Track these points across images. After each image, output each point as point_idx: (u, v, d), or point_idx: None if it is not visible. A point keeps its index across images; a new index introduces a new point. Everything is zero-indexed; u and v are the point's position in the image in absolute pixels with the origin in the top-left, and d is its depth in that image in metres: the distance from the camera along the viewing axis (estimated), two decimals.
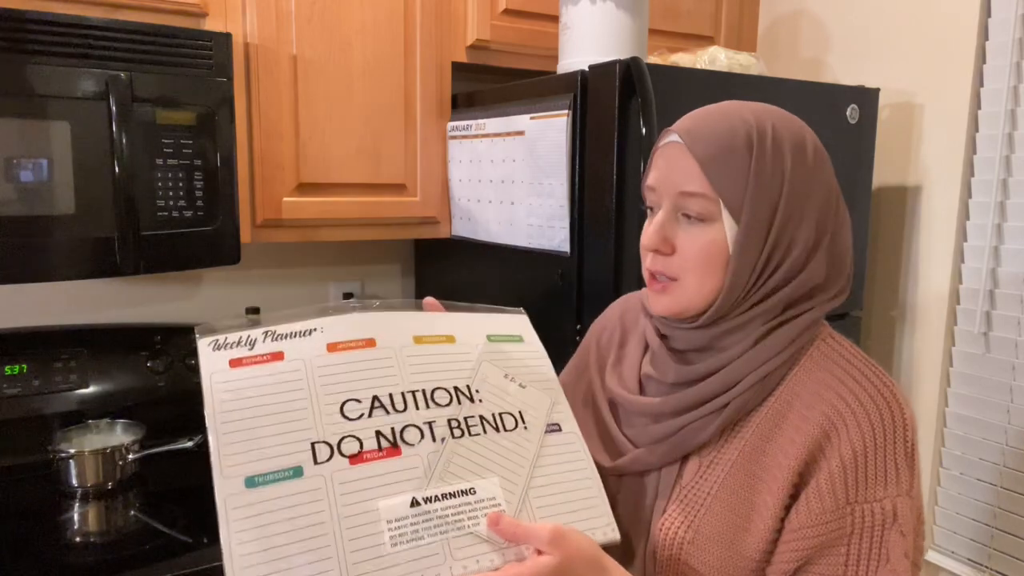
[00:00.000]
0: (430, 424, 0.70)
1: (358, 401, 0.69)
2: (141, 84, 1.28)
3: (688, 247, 0.73)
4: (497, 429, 0.73)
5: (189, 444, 1.50)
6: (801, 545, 0.68)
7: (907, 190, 1.67)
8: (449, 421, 0.71)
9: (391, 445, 0.68)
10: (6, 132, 1.18)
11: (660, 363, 0.80)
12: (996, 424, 1.53)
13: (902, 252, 1.69)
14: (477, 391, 0.74)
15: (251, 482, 0.63)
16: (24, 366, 1.49)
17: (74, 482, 1.41)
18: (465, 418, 0.72)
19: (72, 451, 1.41)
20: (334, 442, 0.66)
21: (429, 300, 0.82)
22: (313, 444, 0.66)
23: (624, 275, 1.29)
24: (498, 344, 0.80)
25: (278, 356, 0.70)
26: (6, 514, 1.33)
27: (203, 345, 0.70)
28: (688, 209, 0.73)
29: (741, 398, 0.73)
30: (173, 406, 1.62)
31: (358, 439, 0.67)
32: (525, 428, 0.74)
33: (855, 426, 0.68)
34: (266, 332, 0.71)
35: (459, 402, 0.73)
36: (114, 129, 1.25)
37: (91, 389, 1.54)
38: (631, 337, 0.89)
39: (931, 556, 1.64)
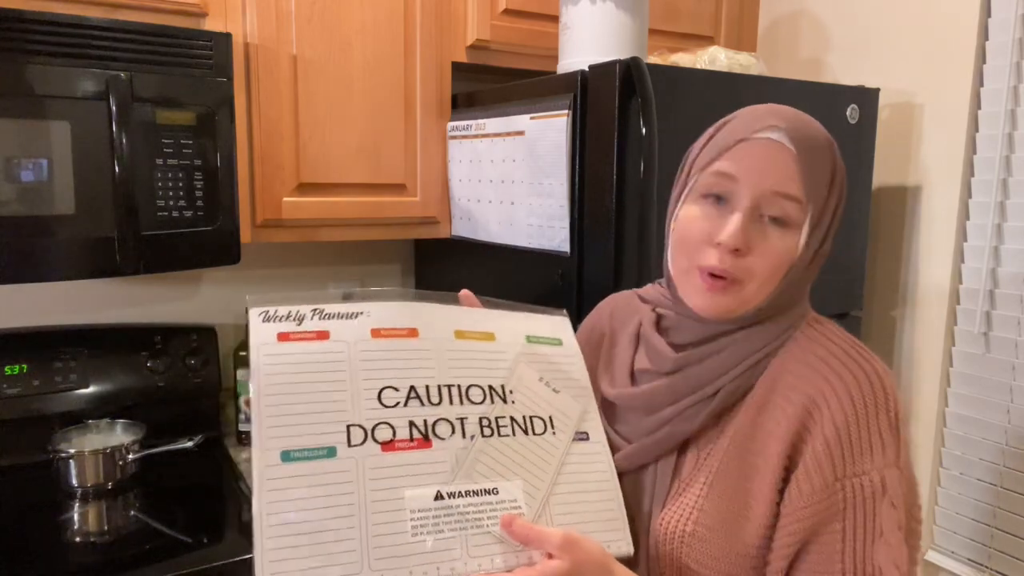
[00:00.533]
0: (462, 420, 0.71)
1: (395, 389, 0.71)
2: (141, 84, 1.28)
3: (767, 251, 0.71)
4: (526, 432, 0.74)
5: (189, 444, 1.50)
6: (797, 528, 0.68)
7: (907, 190, 1.67)
8: (480, 419, 0.72)
9: (422, 437, 0.69)
10: (6, 132, 1.18)
11: (656, 356, 0.80)
12: (996, 424, 1.53)
13: (902, 252, 1.69)
14: (511, 392, 0.75)
15: (287, 456, 0.65)
16: (24, 366, 1.49)
17: (74, 482, 1.41)
18: (496, 418, 0.73)
19: (72, 451, 1.41)
20: (368, 427, 0.68)
21: (465, 292, 0.82)
22: (348, 427, 0.68)
23: (624, 275, 1.29)
24: (536, 346, 0.81)
25: (324, 335, 0.72)
26: (6, 514, 1.33)
27: (254, 315, 0.72)
28: (776, 211, 0.71)
29: (731, 385, 0.74)
30: (173, 406, 1.62)
31: (391, 427, 0.69)
32: (554, 434, 0.75)
33: (836, 401, 0.69)
34: (314, 309, 0.73)
35: (492, 401, 0.74)
36: (114, 129, 1.25)
37: (91, 389, 1.54)
38: (620, 337, 0.89)
39: (931, 556, 1.64)
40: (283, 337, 0.71)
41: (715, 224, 0.72)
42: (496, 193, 1.53)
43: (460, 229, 1.67)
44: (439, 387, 0.72)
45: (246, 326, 0.71)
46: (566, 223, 1.36)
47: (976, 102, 1.54)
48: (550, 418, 0.76)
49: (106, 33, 1.24)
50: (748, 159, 0.72)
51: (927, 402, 1.65)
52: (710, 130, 0.78)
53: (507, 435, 0.72)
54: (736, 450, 0.73)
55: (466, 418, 0.71)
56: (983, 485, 1.56)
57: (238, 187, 1.41)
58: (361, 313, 0.74)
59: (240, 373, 1.65)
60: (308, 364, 0.69)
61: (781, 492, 0.70)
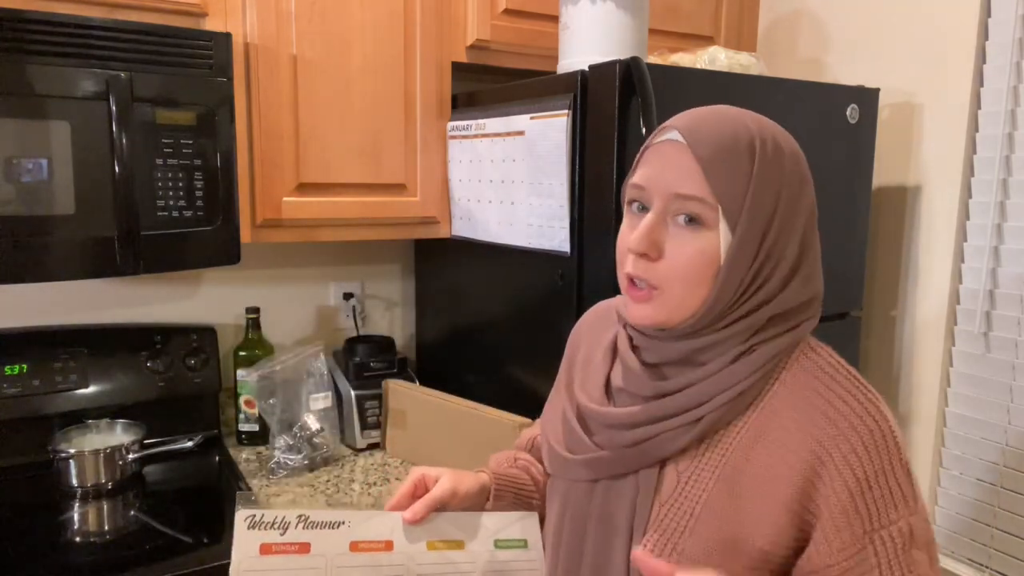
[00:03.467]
0: None
1: None
2: (141, 84, 1.28)
3: (677, 254, 0.70)
4: None
5: (189, 444, 1.50)
6: None
7: (907, 190, 1.67)
8: None
9: None
10: (6, 132, 1.18)
11: (633, 377, 0.78)
12: (996, 424, 1.53)
13: (902, 252, 1.69)
14: None
15: None
16: (24, 366, 1.49)
17: (74, 482, 1.41)
18: None
19: (72, 451, 1.41)
20: None
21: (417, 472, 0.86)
22: None
23: None
24: (503, 551, 0.85)
25: (304, 548, 0.76)
26: (6, 514, 1.33)
27: (240, 519, 0.76)
28: (682, 213, 0.70)
29: (715, 414, 0.71)
30: (173, 406, 1.62)
31: None
32: None
33: (852, 452, 0.67)
34: (300, 517, 0.77)
35: None
36: (114, 129, 1.25)
37: (91, 389, 1.54)
38: (596, 351, 0.87)
39: None
40: (265, 549, 0.75)
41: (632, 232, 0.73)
42: (496, 193, 1.53)
43: (460, 229, 1.67)
44: None
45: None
46: (566, 223, 1.36)
47: (976, 102, 1.54)
48: None
49: (106, 33, 1.24)
50: (651, 165, 0.72)
51: (927, 402, 1.65)
52: None
53: None
54: (726, 482, 0.71)
55: None
56: (983, 485, 1.56)
57: (238, 187, 1.41)
58: (343, 523, 0.78)
59: (240, 373, 1.65)
60: None
61: (785, 533, 0.69)
